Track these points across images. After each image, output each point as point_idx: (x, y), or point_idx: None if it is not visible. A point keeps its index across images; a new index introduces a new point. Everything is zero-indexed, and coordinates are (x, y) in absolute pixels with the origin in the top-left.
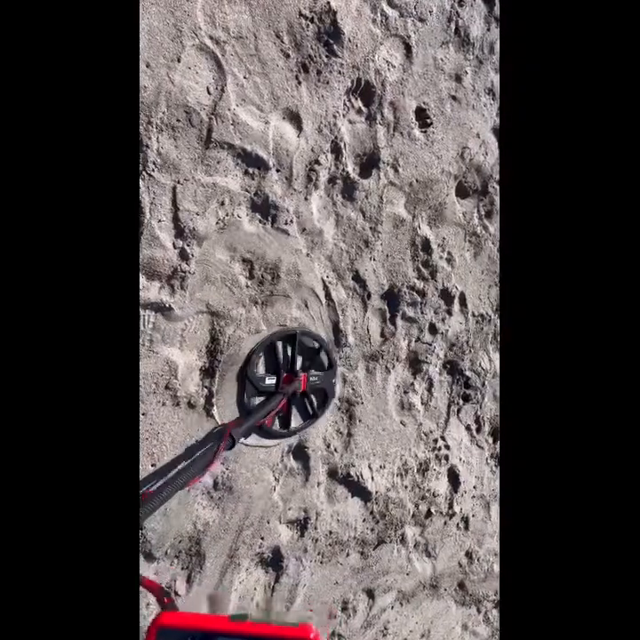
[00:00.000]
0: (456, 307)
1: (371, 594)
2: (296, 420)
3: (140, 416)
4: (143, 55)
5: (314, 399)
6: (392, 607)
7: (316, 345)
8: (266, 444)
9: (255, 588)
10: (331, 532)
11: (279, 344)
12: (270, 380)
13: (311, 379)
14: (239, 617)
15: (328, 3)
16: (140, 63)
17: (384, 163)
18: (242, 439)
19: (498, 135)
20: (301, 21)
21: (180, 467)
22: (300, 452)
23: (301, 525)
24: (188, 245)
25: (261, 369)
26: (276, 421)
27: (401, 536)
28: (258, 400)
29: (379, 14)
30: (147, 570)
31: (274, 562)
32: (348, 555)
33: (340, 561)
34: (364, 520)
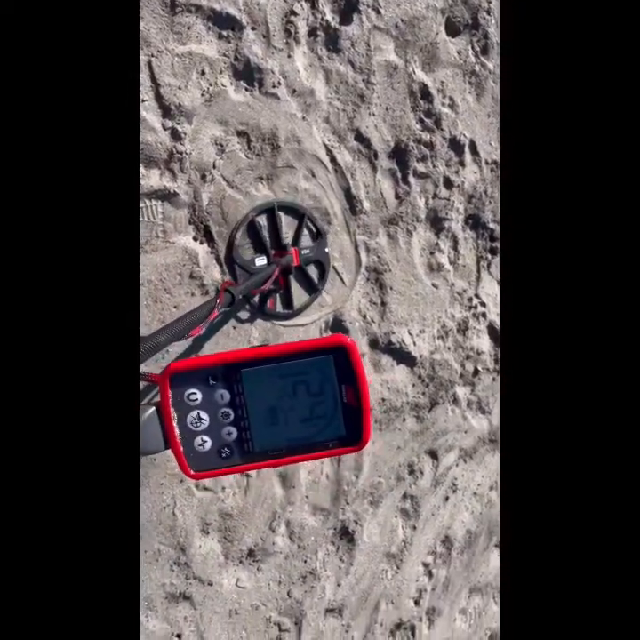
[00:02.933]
0: (468, 156)
1: (434, 454)
2: (300, 299)
3: (172, 309)
4: None
5: (311, 273)
6: (457, 464)
7: (299, 215)
8: (301, 322)
9: (322, 462)
10: (383, 400)
11: (259, 220)
12: (260, 261)
13: (303, 251)
14: (260, 344)
15: None
16: None
17: (364, 5)
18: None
19: None
20: None
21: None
22: (338, 327)
23: None
24: (177, 124)
25: (250, 252)
26: (278, 302)
27: (453, 396)
28: None
29: None
30: None
31: None
32: (404, 420)
33: (397, 426)
34: (413, 385)
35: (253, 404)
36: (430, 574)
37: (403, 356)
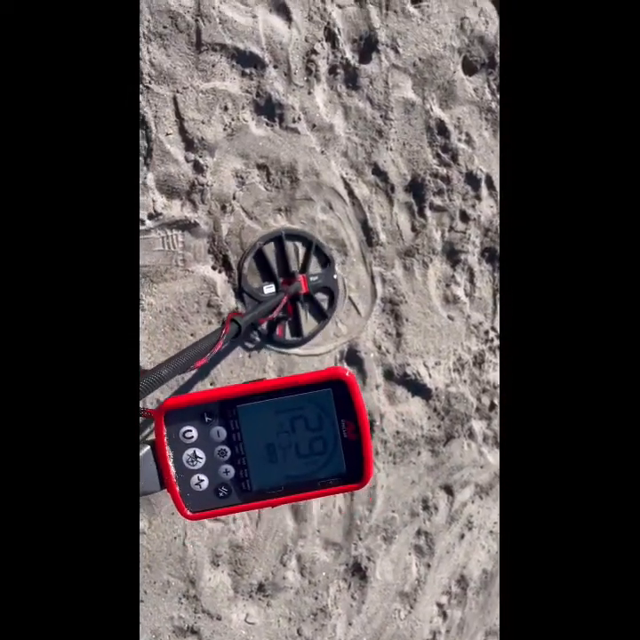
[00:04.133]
0: (484, 190)
1: (449, 490)
2: (308, 327)
3: (189, 336)
4: None
5: (320, 300)
6: (472, 501)
7: (307, 243)
8: (316, 351)
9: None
10: (398, 433)
11: (267, 249)
12: (269, 289)
13: (311, 278)
14: (255, 380)
15: None
16: None
17: (383, 44)
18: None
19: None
20: None
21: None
22: (353, 357)
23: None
24: (200, 157)
25: (258, 280)
26: (287, 329)
27: (469, 430)
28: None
29: None
30: None
31: None
32: (419, 453)
33: (412, 460)
34: (428, 418)
35: (250, 440)
36: (445, 615)
37: (418, 388)
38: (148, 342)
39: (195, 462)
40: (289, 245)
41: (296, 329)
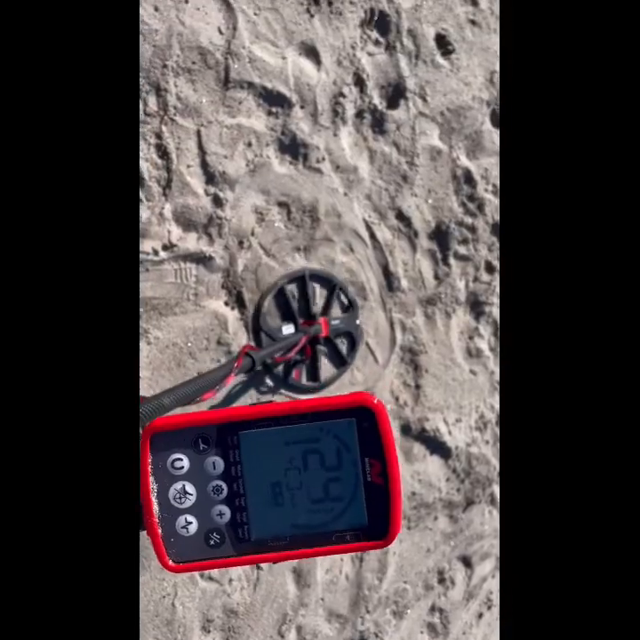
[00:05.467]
0: None
1: (467, 562)
2: (326, 372)
3: (195, 374)
4: None
5: (340, 345)
6: (493, 576)
7: (330, 285)
8: None
9: (342, 559)
10: (414, 494)
11: (288, 289)
12: (288, 329)
13: (332, 322)
14: (266, 402)
15: None
16: (148, 6)
17: (411, 92)
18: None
19: None
20: None
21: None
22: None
23: None
24: (220, 191)
25: (277, 319)
26: (304, 373)
27: (490, 496)
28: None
29: None
30: None
31: None
32: (435, 519)
33: (428, 525)
34: (447, 479)
35: (253, 476)
36: None
37: (437, 446)
38: (152, 378)
39: (183, 499)
40: (311, 286)
41: (313, 373)
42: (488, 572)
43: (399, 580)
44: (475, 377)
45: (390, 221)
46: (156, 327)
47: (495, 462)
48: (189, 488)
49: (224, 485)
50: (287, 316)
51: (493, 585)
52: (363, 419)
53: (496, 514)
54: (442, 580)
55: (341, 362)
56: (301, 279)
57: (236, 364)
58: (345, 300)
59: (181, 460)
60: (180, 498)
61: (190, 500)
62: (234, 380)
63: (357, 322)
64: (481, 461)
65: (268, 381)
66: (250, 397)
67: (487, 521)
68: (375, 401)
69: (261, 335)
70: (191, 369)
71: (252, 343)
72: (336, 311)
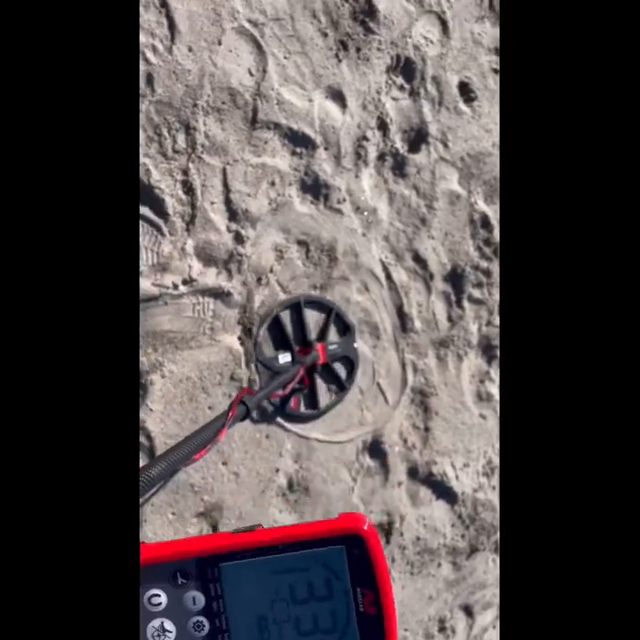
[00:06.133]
0: None
1: (469, 611)
2: (325, 398)
3: (207, 409)
4: (185, 39)
5: (338, 370)
6: (494, 626)
7: (327, 310)
8: (337, 439)
9: None
10: (418, 539)
11: (284, 316)
12: (284, 358)
13: (330, 347)
14: (248, 528)
15: None
16: (183, 47)
17: (433, 137)
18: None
19: None
20: (336, 1)
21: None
22: (377, 449)
23: (386, 531)
24: (242, 228)
25: (273, 349)
26: (302, 402)
27: (495, 544)
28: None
29: None
30: None
31: None
32: (439, 565)
33: (431, 572)
34: (452, 525)
35: (236, 611)
36: None
37: (443, 491)
38: (164, 412)
39: (162, 638)
40: (307, 313)
41: (312, 401)
42: (489, 623)
43: (400, 628)
44: (484, 421)
45: (407, 263)
46: (171, 361)
47: None
48: (168, 625)
49: (205, 621)
50: (283, 344)
51: (494, 635)
52: (353, 546)
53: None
54: (442, 629)
55: (340, 387)
56: (297, 306)
57: (229, 415)
58: (342, 324)
59: (159, 595)
60: (159, 636)
61: (169, 639)
62: (226, 434)
63: (355, 345)
64: (487, 508)
65: (268, 410)
66: (244, 429)
67: (490, 570)
68: (365, 526)
69: (258, 366)
70: (203, 404)
71: (257, 378)
72: (333, 335)
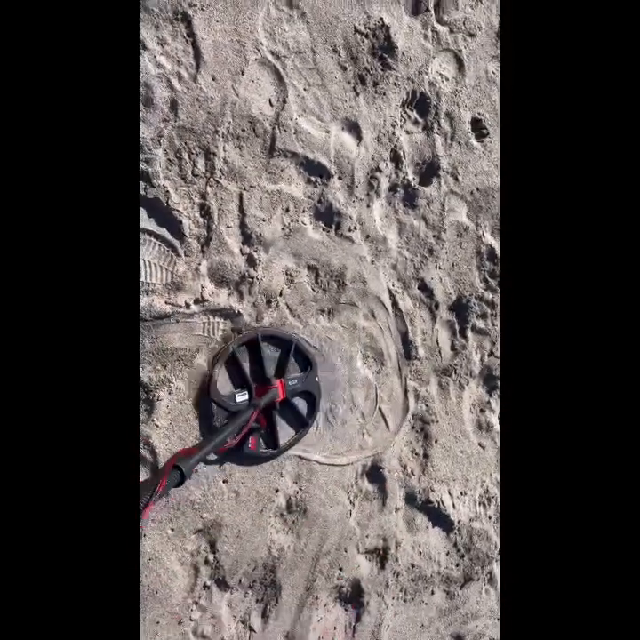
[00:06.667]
0: None
1: None
2: (285, 435)
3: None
4: (209, 68)
5: (299, 406)
6: None
7: (285, 344)
8: (338, 462)
9: (335, 628)
10: (413, 566)
11: (240, 353)
12: (242, 397)
13: (289, 383)
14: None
15: (381, 19)
16: (207, 76)
17: (444, 171)
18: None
19: None
20: (357, 37)
21: None
22: (376, 474)
23: (381, 556)
24: (255, 251)
25: (230, 387)
26: (261, 442)
27: (489, 575)
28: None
29: (429, 30)
30: (220, 600)
31: (354, 597)
32: (432, 593)
33: (424, 600)
34: (447, 553)
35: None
36: None
37: (439, 519)
38: (169, 428)
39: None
40: (265, 348)
41: (272, 440)
42: None
43: None
44: (483, 451)
45: (413, 291)
46: (178, 378)
47: (496, 539)
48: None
49: None
50: (241, 382)
51: None
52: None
53: (493, 593)
54: None
55: (301, 423)
56: (254, 341)
57: (158, 487)
58: (302, 358)
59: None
60: None
61: None
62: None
63: (317, 379)
64: (482, 537)
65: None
66: (194, 474)
67: (484, 600)
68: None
69: (213, 406)
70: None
71: (184, 445)
72: (293, 370)
